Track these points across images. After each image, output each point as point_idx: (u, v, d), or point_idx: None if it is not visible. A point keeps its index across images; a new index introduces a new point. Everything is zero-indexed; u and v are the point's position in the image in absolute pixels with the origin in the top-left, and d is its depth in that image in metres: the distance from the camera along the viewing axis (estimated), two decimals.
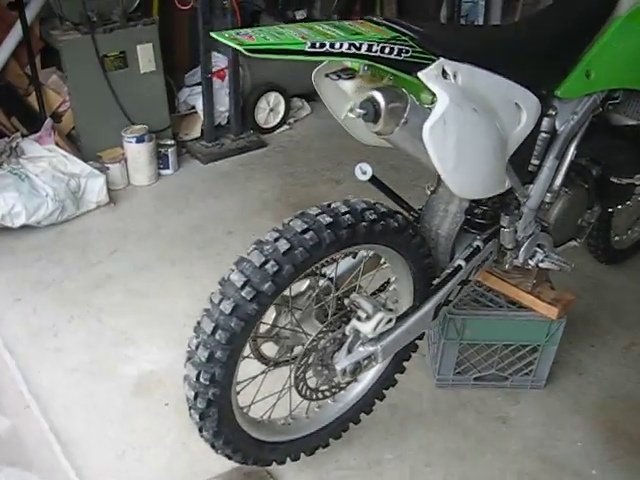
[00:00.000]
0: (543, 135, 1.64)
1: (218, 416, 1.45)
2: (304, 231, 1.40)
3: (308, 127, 3.54)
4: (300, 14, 3.41)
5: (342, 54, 1.21)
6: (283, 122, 3.47)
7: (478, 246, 1.72)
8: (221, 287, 1.40)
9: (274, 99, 3.38)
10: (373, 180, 1.71)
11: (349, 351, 1.57)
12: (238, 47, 1.10)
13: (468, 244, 1.74)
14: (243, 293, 1.36)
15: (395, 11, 3.67)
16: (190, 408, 1.47)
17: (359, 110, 1.31)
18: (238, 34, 1.14)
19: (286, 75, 3.37)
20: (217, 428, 1.47)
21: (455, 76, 1.34)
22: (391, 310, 1.60)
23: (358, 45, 1.21)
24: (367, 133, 1.57)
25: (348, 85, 1.42)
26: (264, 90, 3.31)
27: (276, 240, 1.39)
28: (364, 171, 1.69)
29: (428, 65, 1.31)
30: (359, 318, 1.54)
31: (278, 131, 3.47)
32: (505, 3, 4.11)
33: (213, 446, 1.53)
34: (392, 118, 1.31)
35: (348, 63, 1.39)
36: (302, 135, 3.48)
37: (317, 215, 1.43)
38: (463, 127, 1.34)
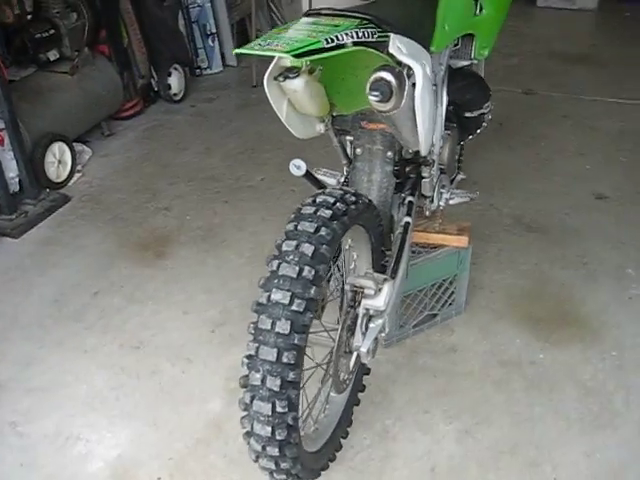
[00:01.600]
0: (433, 88, 1.83)
1: (298, 440, 1.40)
2: (317, 230, 1.41)
3: (99, 169, 3.33)
4: (52, 54, 3.17)
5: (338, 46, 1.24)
6: (73, 171, 3.22)
7: (411, 201, 1.87)
8: (264, 310, 1.35)
9: (59, 150, 3.11)
10: (307, 175, 1.76)
11: (364, 331, 1.61)
12: (285, 55, 1.08)
13: (400, 203, 1.88)
14: (294, 307, 1.33)
15: (139, 31, 3.59)
16: (260, 455, 1.40)
17: (374, 94, 1.34)
18: (265, 44, 1.12)
19: (62, 121, 3.14)
20: (297, 454, 1.42)
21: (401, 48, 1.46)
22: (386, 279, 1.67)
23: (353, 34, 1.26)
24: (306, 127, 1.62)
25: (297, 83, 1.45)
26: (47, 143, 3.03)
27: (297, 247, 1.38)
28: (298, 166, 1.74)
29: (382, 42, 1.40)
30: (367, 297, 1.59)
31: (72, 182, 3.21)
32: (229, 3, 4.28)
33: (290, 474, 1.47)
34: (400, 93, 1.38)
35: (287, 62, 1.43)
36: (99, 177, 3.26)
37: (316, 212, 1.44)
38: (430, 90, 1.47)
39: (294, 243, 1.39)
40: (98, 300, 2.46)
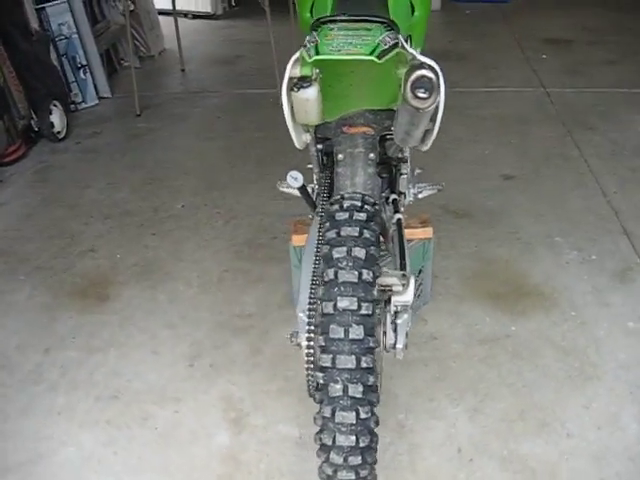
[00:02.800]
0: None
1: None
2: (360, 233, 1.42)
3: None
4: None
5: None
6: None
7: (396, 198, 1.92)
8: (332, 319, 1.33)
9: None
10: (302, 187, 1.76)
11: (394, 329, 1.63)
12: (369, 57, 1.09)
13: (385, 200, 1.93)
14: (363, 311, 1.33)
15: (13, 68, 3.35)
16: (339, 468, 1.38)
17: (420, 92, 1.33)
18: (335, 50, 1.12)
19: None
20: (376, 459, 1.41)
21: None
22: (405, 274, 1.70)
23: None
24: (300, 137, 1.64)
25: (311, 92, 1.45)
26: None
27: (349, 252, 1.38)
28: (295, 177, 1.74)
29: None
30: (396, 293, 1.61)
31: None
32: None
33: None
34: (438, 89, 1.40)
35: (297, 72, 1.43)
36: (1, 230, 3.00)
37: (351, 217, 1.45)
38: None
39: (344, 249, 1.38)
40: (52, 357, 2.26)
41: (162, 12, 5.13)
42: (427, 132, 1.60)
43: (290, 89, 1.43)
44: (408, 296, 1.60)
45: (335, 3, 1.93)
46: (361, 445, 1.35)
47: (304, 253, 1.82)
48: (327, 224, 1.46)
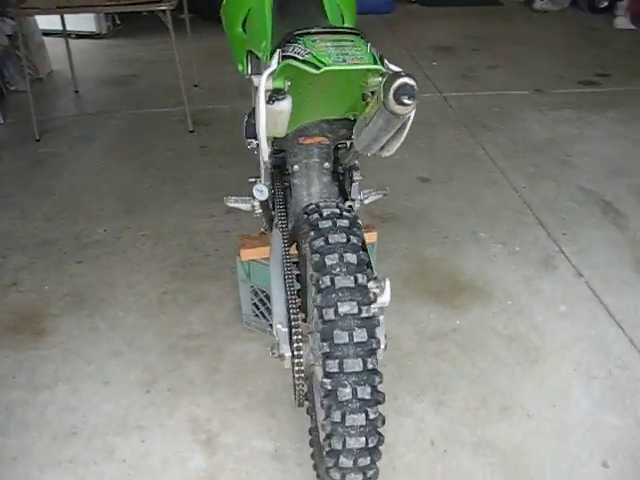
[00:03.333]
0: None
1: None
2: (348, 239, 1.45)
3: None
4: None
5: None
6: None
7: (350, 205, 1.97)
8: (334, 325, 1.35)
9: None
10: (264, 202, 1.77)
11: None
12: (373, 67, 1.12)
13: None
14: (364, 314, 1.36)
15: None
16: (348, 471, 1.40)
17: (404, 99, 1.34)
18: (339, 61, 1.14)
19: None
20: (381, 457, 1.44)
21: None
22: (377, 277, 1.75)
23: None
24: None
25: (285, 104, 1.47)
26: None
27: (341, 258, 1.41)
28: (261, 190, 1.75)
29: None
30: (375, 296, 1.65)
31: None
32: None
33: None
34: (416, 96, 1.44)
35: (270, 84, 1.45)
36: None
37: (335, 224, 1.48)
38: None
39: (336, 256, 1.41)
40: None
41: (46, 33, 4.91)
42: (392, 138, 1.65)
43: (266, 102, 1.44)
44: (386, 298, 1.65)
45: (273, 17, 1.96)
46: (370, 446, 1.38)
47: (271, 266, 1.83)
48: (311, 233, 1.48)
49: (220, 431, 1.99)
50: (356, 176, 1.98)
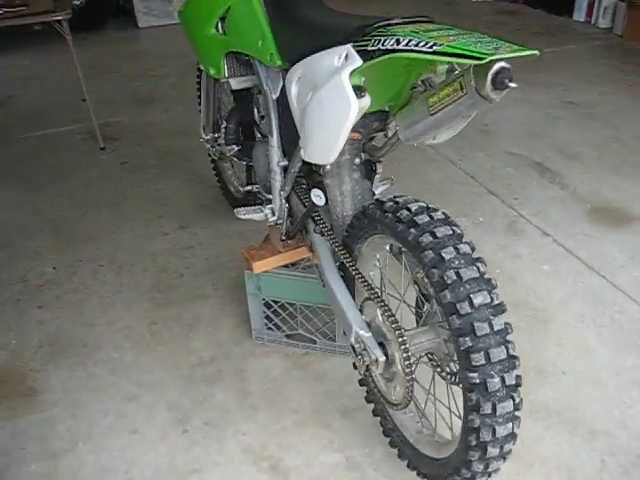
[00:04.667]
0: None
1: None
2: (453, 231, 1.43)
3: None
4: None
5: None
6: None
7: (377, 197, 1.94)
8: (472, 318, 1.33)
9: None
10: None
11: None
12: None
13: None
14: (495, 302, 1.36)
15: None
16: (492, 460, 1.40)
17: (507, 82, 1.29)
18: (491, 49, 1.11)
19: None
20: None
21: None
22: None
23: None
24: None
25: (367, 101, 1.42)
26: None
27: (457, 250, 1.38)
28: (319, 195, 1.68)
29: None
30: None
31: None
32: None
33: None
34: None
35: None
36: None
37: (432, 218, 1.45)
38: None
39: (451, 250, 1.38)
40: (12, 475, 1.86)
41: None
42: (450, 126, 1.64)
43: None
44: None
45: (268, 15, 1.86)
46: (514, 430, 1.38)
47: (326, 273, 1.76)
48: (411, 230, 1.43)
49: (281, 454, 1.89)
50: (379, 169, 1.95)
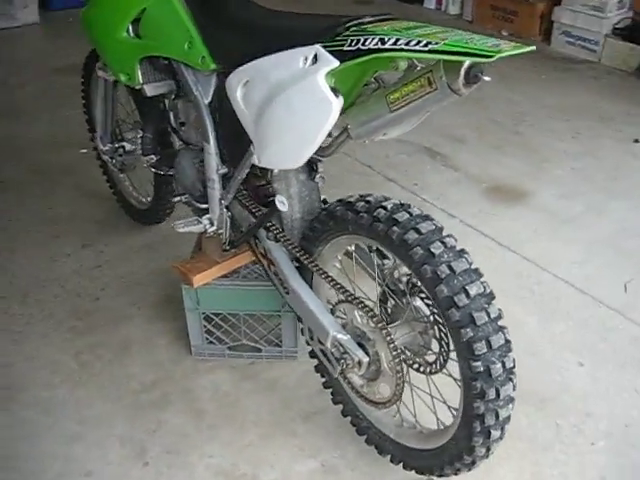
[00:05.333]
0: None
1: None
2: (435, 225, 1.46)
3: None
4: None
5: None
6: None
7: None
8: (469, 307, 1.36)
9: None
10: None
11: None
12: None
13: None
14: (487, 290, 1.39)
15: None
16: (493, 443, 1.45)
17: (480, 76, 1.29)
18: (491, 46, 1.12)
19: None
20: None
21: None
22: None
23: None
24: None
25: (342, 101, 1.40)
26: None
27: (444, 244, 1.41)
28: (282, 201, 1.64)
29: None
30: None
31: None
32: None
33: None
34: None
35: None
36: None
37: (410, 214, 1.47)
38: None
39: (439, 244, 1.40)
40: None
41: None
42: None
43: None
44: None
45: (193, 16, 1.78)
46: (511, 413, 1.43)
47: (290, 280, 1.72)
48: (394, 228, 1.43)
49: (255, 471, 1.84)
50: (320, 168, 1.92)
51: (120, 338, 2.27)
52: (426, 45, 1.18)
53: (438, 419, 1.65)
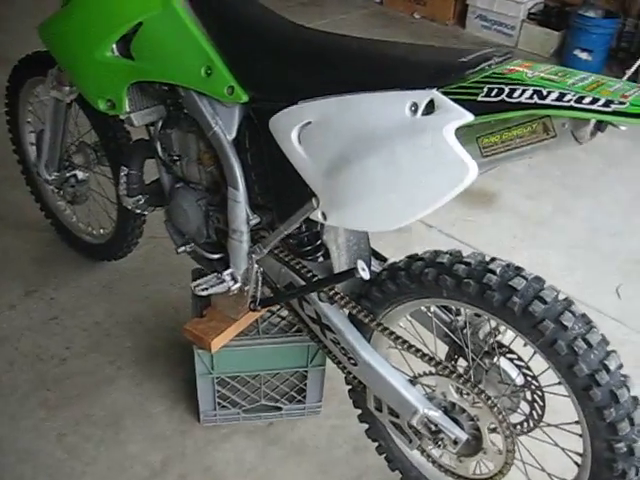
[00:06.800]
0: None
1: None
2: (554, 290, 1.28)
3: None
4: None
5: None
6: None
7: None
8: (609, 383, 1.21)
9: None
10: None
11: None
12: None
13: None
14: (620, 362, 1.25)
15: None
16: None
17: (622, 127, 1.11)
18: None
19: None
20: None
21: None
22: None
23: None
24: None
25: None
26: None
27: (570, 311, 1.24)
28: (364, 268, 1.39)
29: None
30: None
31: None
32: None
33: None
34: None
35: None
36: None
37: (526, 280, 1.28)
38: None
39: (569, 315, 1.23)
40: None
41: None
42: None
43: None
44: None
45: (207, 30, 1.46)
46: None
47: (358, 349, 1.49)
48: (513, 299, 1.25)
49: None
50: None
51: (106, 409, 1.93)
52: (607, 105, 0.98)
53: None
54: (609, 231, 2.84)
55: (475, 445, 1.44)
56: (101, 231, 2.39)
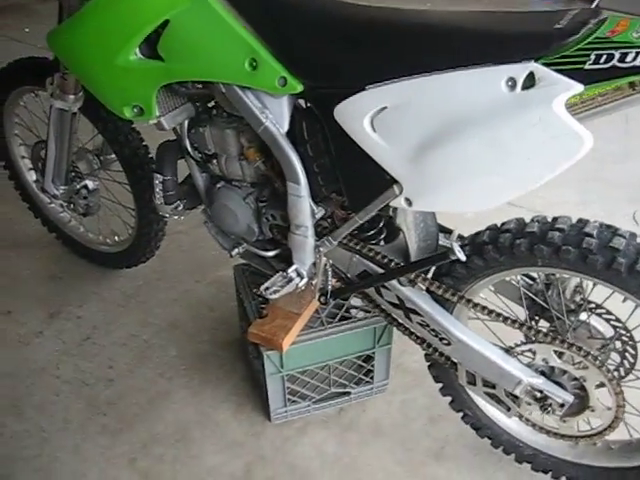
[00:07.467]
0: None
1: None
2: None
3: None
4: None
5: None
6: None
7: None
8: None
9: None
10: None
11: None
12: None
13: None
14: None
15: None
16: None
17: None
18: None
19: None
20: None
21: None
22: None
23: None
24: None
25: None
26: None
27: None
28: (459, 251, 1.35)
29: None
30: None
31: None
32: None
33: None
34: None
35: None
36: None
37: (624, 238, 1.26)
38: None
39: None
40: None
41: None
42: None
43: None
44: None
45: (252, 20, 1.36)
46: None
47: (452, 330, 1.46)
48: (619, 260, 1.23)
49: None
50: None
51: (170, 425, 1.86)
52: None
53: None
54: (614, 159, 2.86)
55: (579, 404, 1.44)
56: (116, 238, 2.27)
